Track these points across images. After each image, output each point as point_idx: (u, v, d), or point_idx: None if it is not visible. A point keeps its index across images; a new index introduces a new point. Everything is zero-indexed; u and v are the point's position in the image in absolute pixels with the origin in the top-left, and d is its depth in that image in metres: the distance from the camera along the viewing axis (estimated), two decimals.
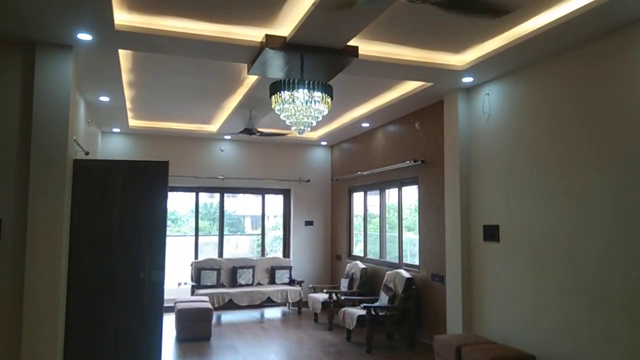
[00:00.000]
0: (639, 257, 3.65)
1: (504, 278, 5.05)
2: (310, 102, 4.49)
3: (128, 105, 6.96)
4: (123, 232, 4.62)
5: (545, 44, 4.28)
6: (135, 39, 4.22)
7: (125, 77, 5.67)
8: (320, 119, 4.68)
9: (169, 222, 12.67)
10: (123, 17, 4.01)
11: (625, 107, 3.82)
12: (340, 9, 3.57)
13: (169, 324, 7.49)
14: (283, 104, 4.53)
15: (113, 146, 8.54)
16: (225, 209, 9.69)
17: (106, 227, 4.61)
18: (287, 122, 4.69)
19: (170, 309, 7.47)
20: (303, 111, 4.56)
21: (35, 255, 4.19)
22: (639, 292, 3.64)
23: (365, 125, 7.85)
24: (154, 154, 8.32)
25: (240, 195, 12.30)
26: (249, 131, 7.05)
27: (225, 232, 9.75)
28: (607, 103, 3.98)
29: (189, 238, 9.46)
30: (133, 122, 8.09)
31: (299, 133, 4.75)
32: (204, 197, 11.47)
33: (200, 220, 10.79)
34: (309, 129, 4.70)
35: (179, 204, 10.11)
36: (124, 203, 4.67)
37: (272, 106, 4.62)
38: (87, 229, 4.58)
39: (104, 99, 6.26)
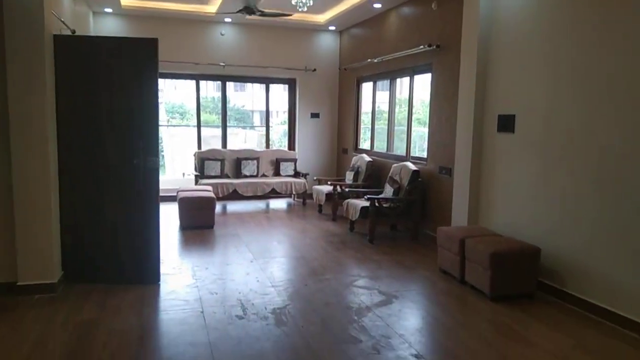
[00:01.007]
0: None
1: (515, 170, 4.80)
2: None
3: None
4: (113, 117, 4.33)
5: None
6: None
7: None
8: None
9: (176, 115, 12.53)
10: None
11: None
12: None
13: (172, 212, 7.52)
14: None
15: (106, 28, 7.99)
16: (233, 103, 9.31)
17: (94, 111, 4.31)
18: None
19: (174, 198, 7.45)
20: None
21: (21, 145, 3.97)
22: None
23: (377, 5, 7.18)
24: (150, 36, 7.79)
25: (249, 89, 11.87)
26: (248, 10, 6.46)
27: (233, 124, 9.47)
28: None
29: (195, 129, 9.18)
30: (126, 1, 7.48)
31: (300, 8, 4.26)
32: (210, 89, 11.05)
33: (207, 114, 10.50)
34: (310, 1, 4.20)
35: (186, 97, 9.71)
36: (112, 85, 4.32)
37: None
38: (73, 113, 4.29)
39: None
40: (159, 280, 4.50)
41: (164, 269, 4.75)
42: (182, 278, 4.67)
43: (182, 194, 6.84)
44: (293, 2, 4.26)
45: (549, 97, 4.37)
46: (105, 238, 4.43)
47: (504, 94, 4.93)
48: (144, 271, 4.48)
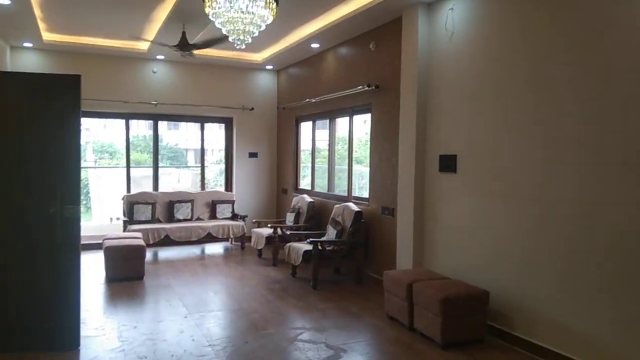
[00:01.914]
0: (600, 186, 3.36)
1: (458, 211, 4.75)
2: (252, 6, 3.78)
3: (37, 12, 5.90)
4: (26, 161, 3.85)
5: None
6: None
7: None
8: (263, 27, 3.99)
9: (105, 155, 11.82)
10: None
11: (603, 26, 3.39)
12: None
13: (97, 263, 6.89)
14: (219, 7, 3.80)
15: (25, 63, 7.41)
16: (166, 141, 8.88)
17: (1, 154, 3.83)
18: (224, 31, 3.99)
19: (100, 246, 6.85)
20: (242, 17, 3.85)
21: None
22: (604, 226, 3.38)
23: (315, 46, 7.15)
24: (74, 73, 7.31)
25: (183, 127, 11.45)
26: (183, 47, 6.17)
27: (166, 164, 8.99)
28: (584, 22, 3.53)
29: (124, 170, 8.61)
30: (48, 36, 6.99)
31: (238, 45, 4.06)
32: (142, 127, 10.53)
33: (139, 153, 9.98)
34: (249, 39, 4.01)
35: (115, 136, 9.14)
36: (26, 125, 3.87)
37: (206, 10, 3.88)
38: None
39: (2, 1, 5.20)
40: (78, 345, 3.96)
41: (84, 331, 4.22)
42: (106, 341, 4.15)
43: (108, 242, 6.28)
44: (230, 40, 4.05)
45: (489, 137, 4.38)
46: (11, 300, 3.86)
47: (444, 134, 4.93)
48: (61, 336, 3.93)
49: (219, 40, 5.82)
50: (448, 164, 4.85)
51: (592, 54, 3.47)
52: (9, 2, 5.26)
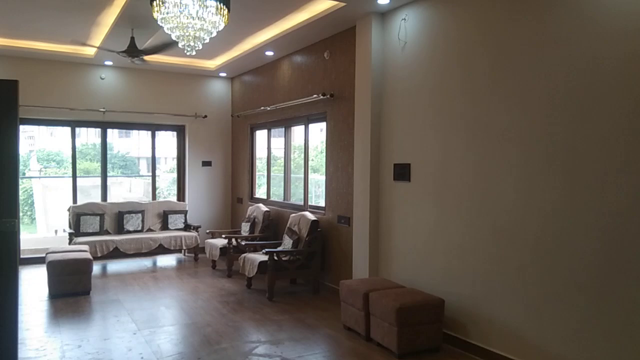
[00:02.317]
0: (550, 196, 3.45)
1: (413, 219, 4.77)
2: (203, 12, 3.68)
3: None
4: None
5: None
6: None
7: None
8: (215, 34, 3.89)
9: (52, 164, 11.24)
10: None
11: (541, 38, 3.49)
12: None
13: (40, 278, 6.53)
14: (167, 12, 3.67)
15: None
16: (117, 149, 8.56)
17: None
18: (174, 37, 3.86)
19: (44, 260, 6.49)
20: (192, 23, 3.74)
21: None
22: (551, 233, 3.47)
23: (270, 53, 7.08)
24: (20, 80, 6.89)
25: (135, 134, 11.06)
26: (132, 52, 5.96)
27: (117, 174, 8.67)
28: (523, 33, 3.63)
29: (75, 179, 8.20)
30: None
31: (188, 51, 3.94)
32: (91, 135, 10.11)
33: (88, 162, 9.61)
34: (200, 45, 3.90)
35: (63, 144, 8.70)
36: None
37: (154, 15, 3.74)
38: None
39: None
40: None
41: (23, 352, 3.96)
42: None
43: (51, 256, 5.95)
44: (180, 46, 3.92)
45: (441, 147, 4.43)
46: None
47: (398, 143, 4.95)
48: None
49: (169, 45, 5.67)
50: (402, 172, 4.87)
51: (539, 65, 3.56)
52: None
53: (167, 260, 8.09)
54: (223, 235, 7.20)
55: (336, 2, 4.93)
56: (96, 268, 7.21)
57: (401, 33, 4.88)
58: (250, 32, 6.37)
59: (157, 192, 8.91)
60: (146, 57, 6.31)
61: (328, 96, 6.03)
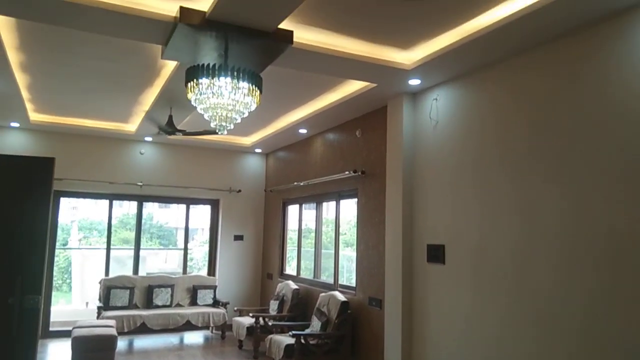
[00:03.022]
0: (589, 280, 3.17)
1: (448, 303, 4.49)
2: (235, 94, 3.76)
3: (25, 94, 5.92)
4: None
5: (499, 42, 3.79)
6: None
7: (14, 56, 4.70)
8: (246, 114, 3.95)
9: (94, 232, 11.45)
10: None
11: (574, 118, 3.38)
12: None
13: (66, 352, 6.42)
14: (201, 94, 3.77)
15: (11, 144, 7.34)
16: (156, 220, 8.68)
17: None
18: (206, 117, 3.93)
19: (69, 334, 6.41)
20: (225, 104, 3.82)
21: None
22: (588, 319, 3.15)
23: (303, 131, 7.19)
24: (63, 154, 7.27)
25: (174, 205, 11.25)
26: (166, 131, 6.16)
27: (155, 244, 8.73)
28: (556, 114, 3.53)
29: (109, 251, 8.27)
30: (35, 116, 7.00)
31: (219, 131, 3.99)
32: (133, 206, 10.36)
33: (128, 231, 9.74)
34: (231, 126, 3.95)
35: (105, 213, 8.84)
36: None
37: (188, 96, 3.85)
38: None
39: None
40: None
41: None
42: None
43: (77, 331, 5.87)
44: (212, 125, 3.99)
45: (477, 228, 4.24)
46: None
47: (431, 223, 4.78)
48: None
49: (206, 132, 5.92)
50: (436, 254, 4.66)
51: (583, 141, 3.42)
52: None
53: (194, 337, 7.87)
54: (250, 314, 6.99)
55: (367, 84, 5.01)
56: (122, 344, 7.06)
57: (433, 112, 4.86)
58: (285, 110, 6.52)
59: (192, 262, 8.84)
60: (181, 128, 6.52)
61: (359, 173, 5.99)
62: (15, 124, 7.19)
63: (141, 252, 8.56)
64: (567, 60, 3.57)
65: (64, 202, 8.21)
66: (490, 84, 4.24)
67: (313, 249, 7.48)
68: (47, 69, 5.08)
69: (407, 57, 4.43)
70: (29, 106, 6.46)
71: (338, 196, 6.72)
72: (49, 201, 3.83)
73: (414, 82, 4.79)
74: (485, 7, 3.51)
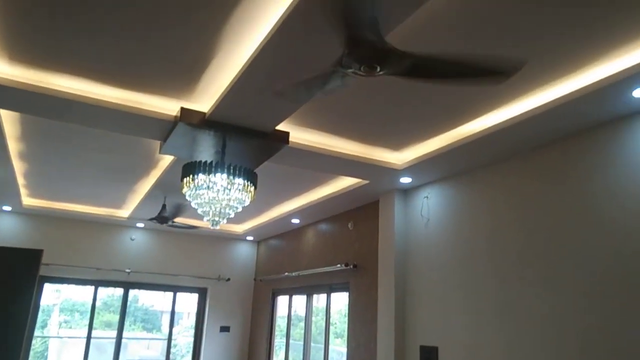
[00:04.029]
0: None
1: None
2: (230, 190, 3.82)
3: (20, 180, 5.97)
4: None
5: (487, 148, 3.95)
6: (17, 97, 3.45)
7: (14, 146, 4.80)
8: (240, 209, 3.99)
9: (76, 314, 10.96)
10: (1, 69, 3.28)
11: (559, 222, 3.44)
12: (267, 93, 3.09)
13: None
14: (196, 189, 3.82)
15: (1, 227, 7.28)
16: (141, 302, 8.43)
17: None
18: (199, 211, 3.96)
19: None
20: (219, 200, 3.86)
21: None
22: None
23: (296, 221, 7.22)
24: (52, 239, 7.23)
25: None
26: (162, 219, 6.19)
27: (138, 328, 8.38)
28: (544, 217, 3.60)
29: (89, 338, 7.93)
30: (28, 201, 7.00)
31: (213, 225, 4.01)
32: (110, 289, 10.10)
33: (112, 314, 9.41)
34: (224, 221, 3.98)
35: (90, 294, 8.56)
36: None
37: (182, 191, 3.90)
38: None
39: None
40: None
41: None
42: None
43: None
44: (205, 220, 4.01)
45: (471, 329, 4.15)
46: None
47: (425, 324, 4.68)
48: None
49: (196, 227, 6.00)
50: (429, 357, 4.51)
51: (574, 246, 3.45)
52: None
53: None
54: None
55: (360, 180, 5.12)
56: None
57: (424, 210, 4.93)
58: (278, 201, 6.59)
59: (175, 349, 8.43)
60: (176, 220, 6.52)
61: (351, 267, 5.94)
62: (7, 208, 7.17)
63: (123, 340, 8.19)
64: (552, 167, 3.70)
65: (48, 286, 7.99)
66: (480, 185, 4.35)
67: (302, 342, 7.21)
68: (45, 158, 5.17)
69: (399, 157, 4.57)
70: (23, 191, 6.49)
71: (329, 289, 6.61)
72: (33, 290, 3.76)
73: (405, 180, 4.90)
74: (474, 115, 3.69)
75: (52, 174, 5.77)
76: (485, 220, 4.22)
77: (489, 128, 3.69)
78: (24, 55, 3.14)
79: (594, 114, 3.27)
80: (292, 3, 2.35)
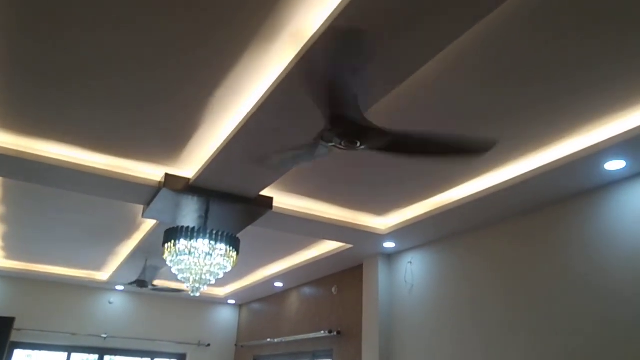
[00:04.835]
0: None
1: None
2: (211, 255, 3.78)
3: None
4: None
5: (470, 215, 4.01)
6: (2, 163, 3.45)
7: None
8: (221, 276, 3.93)
9: None
10: None
11: (544, 285, 3.46)
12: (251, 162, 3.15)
13: None
14: (177, 255, 3.77)
15: None
16: None
17: None
18: (180, 277, 3.89)
19: None
20: (201, 266, 3.81)
21: None
22: None
23: (279, 285, 7.10)
24: (26, 303, 7.00)
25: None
26: (142, 283, 6.05)
27: None
28: (526, 282, 3.62)
29: None
30: (4, 263, 6.81)
31: (193, 292, 3.93)
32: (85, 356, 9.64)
33: None
34: (205, 287, 3.91)
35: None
36: None
37: (164, 256, 3.85)
38: None
39: None
40: None
41: None
42: None
43: None
44: (185, 287, 3.94)
45: None
46: None
47: None
48: None
49: (177, 290, 5.89)
50: None
51: (559, 309, 3.43)
52: None
53: None
54: None
55: (344, 244, 5.11)
56: None
57: (408, 276, 4.91)
58: (261, 264, 6.51)
59: None
60: (157, 283, 6.37)
61: (335, 333, 5.80)
62: None
63: None
64: (532, 233, 3.76)
65: (19, 352, 7.63)
66: (462, 250, 4.38)
67: None
68: (25, 220, 5.11)
69: (382, 222, 4.61)
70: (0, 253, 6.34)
71: (312, 356, 6.41)
72: (2, 358, 3.57)
73: (389, 244, 4.91)
74: (456, 183, 3.77)
75: (31, 236, 5.66)
76: (468, 285, 4.21)
77: (470, 196, 3.76)
78: (8, 122, 3.17)
79: (569, 184, 3.37)
80: (275, 81, 2.45)
